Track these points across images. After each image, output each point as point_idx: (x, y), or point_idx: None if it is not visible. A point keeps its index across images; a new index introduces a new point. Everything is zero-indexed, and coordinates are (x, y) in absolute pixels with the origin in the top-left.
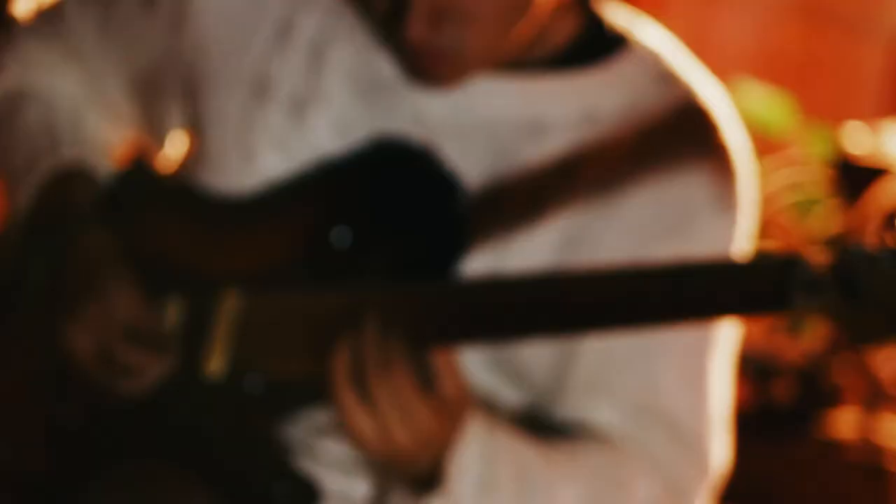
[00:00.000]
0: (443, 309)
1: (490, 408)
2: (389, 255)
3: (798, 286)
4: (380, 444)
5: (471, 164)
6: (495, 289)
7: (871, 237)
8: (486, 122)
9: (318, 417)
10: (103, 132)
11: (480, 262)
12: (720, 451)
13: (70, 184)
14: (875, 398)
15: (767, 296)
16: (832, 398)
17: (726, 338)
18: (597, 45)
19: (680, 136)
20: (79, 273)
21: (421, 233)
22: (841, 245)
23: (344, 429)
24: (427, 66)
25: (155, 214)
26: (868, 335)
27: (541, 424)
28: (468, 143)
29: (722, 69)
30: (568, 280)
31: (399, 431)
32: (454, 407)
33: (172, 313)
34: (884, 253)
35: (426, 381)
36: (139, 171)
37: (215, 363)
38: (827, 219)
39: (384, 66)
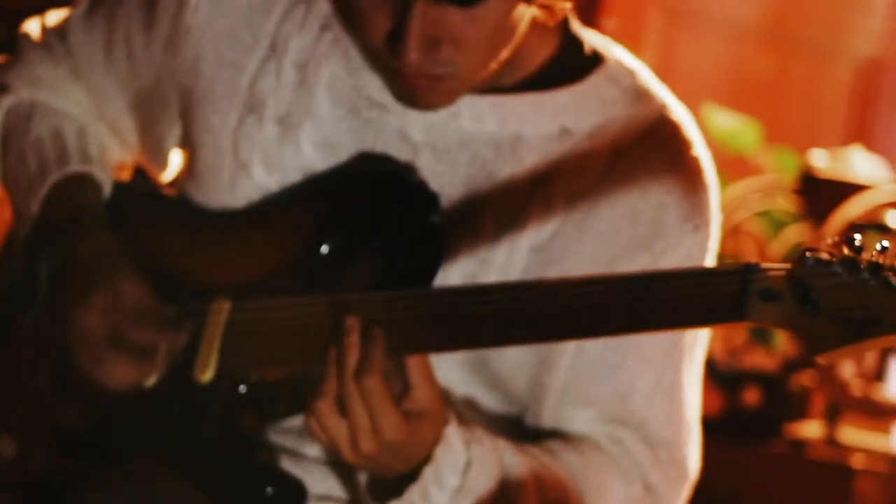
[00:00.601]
0: (420, 315)
1: (471, 414)
2: (372, 266)
3: (754, 294)
4: (348, 451)
5: (451, 180)
6: (469, 295)
7: (828, 248)
8: (467, 139)
9: (301, 423)
10: (108, 151)
11: (458, 275)
12: (695, 457)
13: (76, 193)
14: (841, 402)
15: (723, 303)
16: (799, 403)
17: (698, 347)
18: (573, 64)
19: (653, 151)
20: (84, 267)
21: (401, 245)
22: (797, 254)
23: (316, 431)
24: (418, 91)
25: (149, 224)
26: (824, 345)
27: (523, 430)
28: (449, 159)
29: (690, 94)
30: (531, 287)
31: (365, 440)
32: (427, 417)
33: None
34: (839, 261)
35: (401, 390)
36: (136, 182)
37: (207, 369)
38: (795, 241)
39: (371, 86)
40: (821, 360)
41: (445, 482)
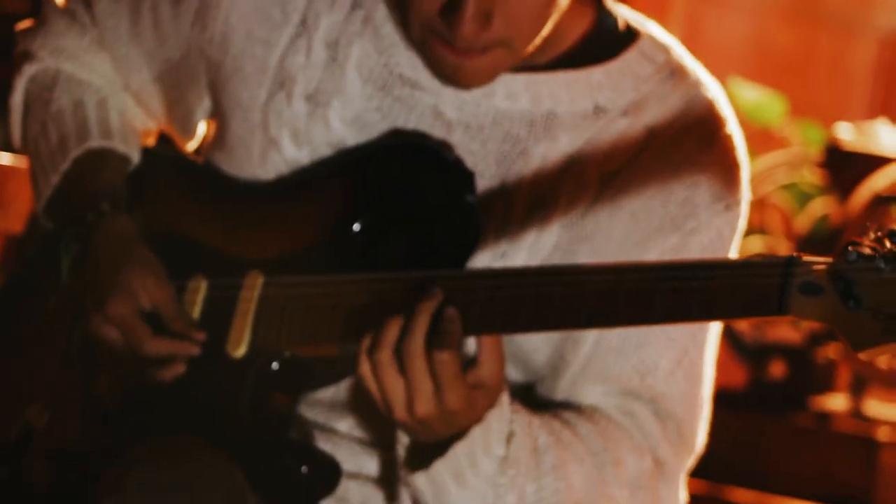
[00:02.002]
0: (458, 297)
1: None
2: (405, 244)
3: (795, 287)
4: (402, 410)
5: (484, 157)
6: (506, 278)
7: (870, 242)
8: (500, 117)
9: (332, 397)
10: (130, 121)
11: (488, 252)
12: (702, 432)
13: (96, 170)
14: (866, 375)
15: (764, 296)
16: (825, 376)
17: (716, 326)
18: (607, 41)
19: (686, 129)
20: (102, 260)
21: (436, 223)
22: (839, 248)
23: (372, 387)
24: (463, 67)
25: (180, 192)
26: (866, 341)
27: (532, 399)
28: (482, 137)
29: (716, 67)
30: (568, 272)
31: (423, 404)
32: (486, 391)
33: (198, 294)
34: (881, 256)
35: (466, 364)
36: (164, 148)
37: (240, 345)
38: (820, 214)
39: (403, 64)
40: (862, 356)
41: (492, 450)
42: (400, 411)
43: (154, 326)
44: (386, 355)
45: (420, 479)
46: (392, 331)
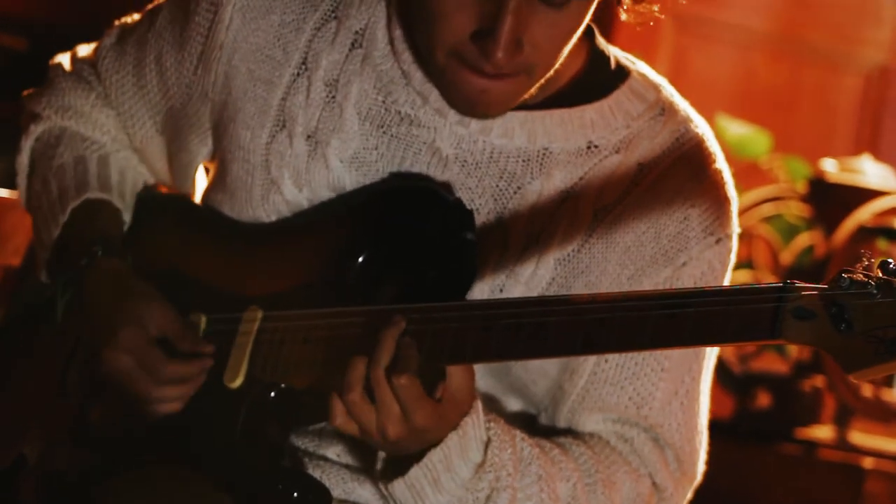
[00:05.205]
0: (452, 326)
1: (489, 407)
2: (404, 281)
3: (787, 312)
4: (377, 435)
5: (480, 193)
6: (501, 308)
7: (862, 271)
8: (496, 154)
9: (321, 425)
10: (129, 179)
11: (486, 286)
12: (701, 461)
13: (92, 219)
14: (851, 406)
15: (757, 321)
16: (811, 406)
17: (713, 356)
18: (600, 80)
19: (676, 165)
20: (101, 298)
21: (435, 261)
22: (834, 276)
23: (343, 420)
24: (486, 94)
25: (182, 235)
26: (857, 363)
27: (536, 428)
28: (478, 173)
29: (702, 103)
30: (563, 302)
31: (394, 426)
32: (457, 404)
33: (197, 328)
34: (874, 283)
35: (433, 382)
36: (168, 196)
37: (237, 377)
38: (806, 247)
39: (401, 101)
40: (854, 377)
41: (469, 456)
42: (374, 435)
43: (165, 351)
44: (357, 394)
45: (399, 486)
46: (359, 369)
